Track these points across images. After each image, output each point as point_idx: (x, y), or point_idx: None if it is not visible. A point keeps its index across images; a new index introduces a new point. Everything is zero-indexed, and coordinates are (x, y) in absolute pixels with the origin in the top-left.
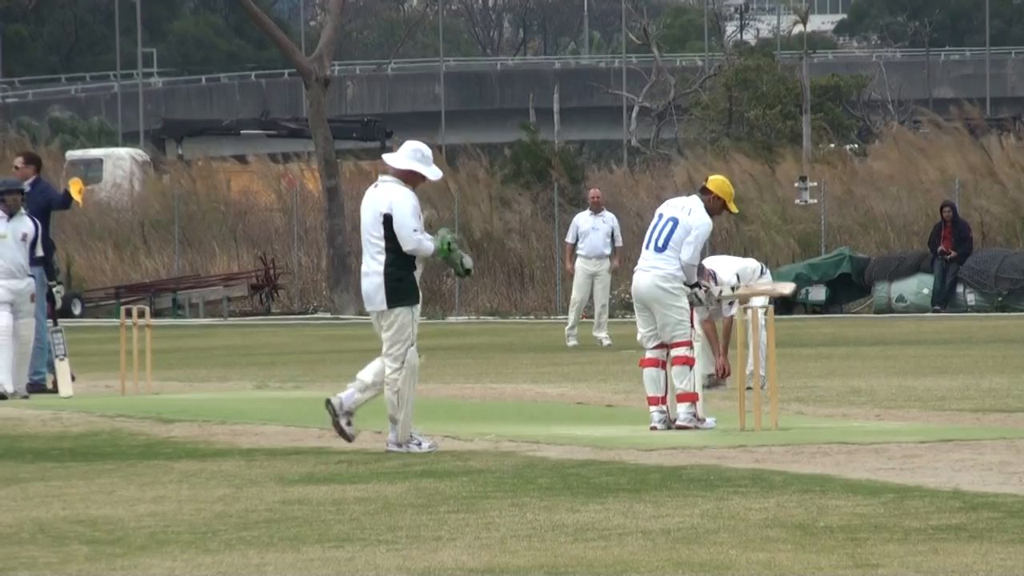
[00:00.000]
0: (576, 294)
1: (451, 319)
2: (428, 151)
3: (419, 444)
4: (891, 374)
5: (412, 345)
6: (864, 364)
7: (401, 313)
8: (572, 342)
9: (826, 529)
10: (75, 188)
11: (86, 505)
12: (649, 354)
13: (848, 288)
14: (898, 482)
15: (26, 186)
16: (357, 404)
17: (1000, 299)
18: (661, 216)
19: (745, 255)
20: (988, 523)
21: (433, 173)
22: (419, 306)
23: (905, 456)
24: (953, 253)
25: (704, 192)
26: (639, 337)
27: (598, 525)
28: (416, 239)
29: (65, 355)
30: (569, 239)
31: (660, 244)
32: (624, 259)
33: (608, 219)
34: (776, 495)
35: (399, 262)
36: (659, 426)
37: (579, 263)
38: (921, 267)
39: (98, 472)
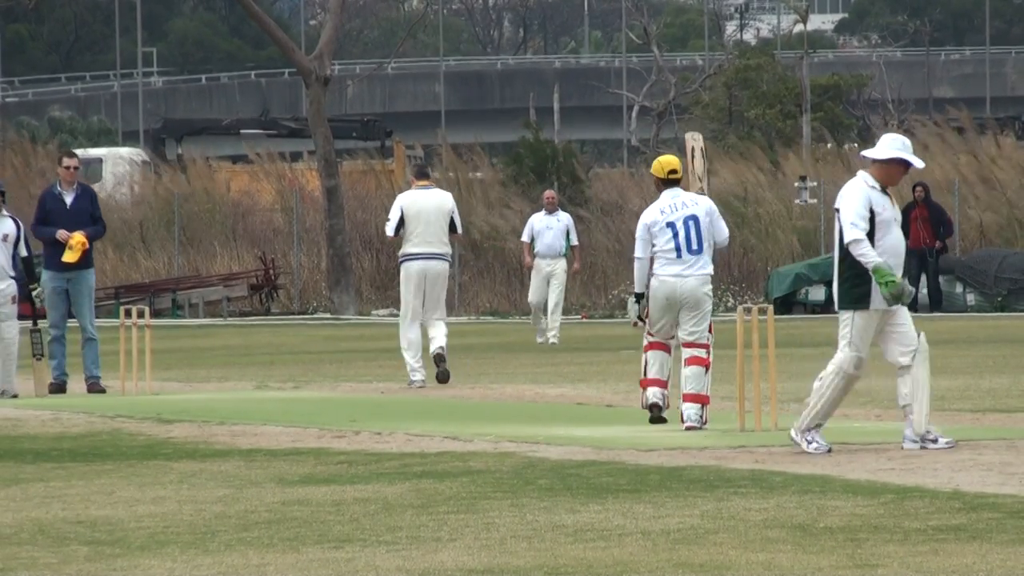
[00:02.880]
0: (532, 297)
1: (451, 319)
2: (908, 141)
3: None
4: (890, 374)
5: (850, 346)
6: None
7: (841, 315)
8: (541, 339)
9: (826, 530)
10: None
11: (86, 506)
12: (661, 339)
13: None
14: (898, 483)
15: (76, 188)
16: (918, 424)
17: (1000, 299)
18: (674, 225)
19: (744, 256)
20: (988, 524)
21: (918, 161)
22: (866, 310)
23: (905, 456)
24: (939, 244)
25: (679, 184)
26: (656, 329)
27: (598, 526)
28: (849, 232)
29: (42, 355)
30: (524, 237)
31: (695, 247)
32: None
33: (563, 218)
34: (776, 496)
35: (846, 259)
36: (660, 402)
37: (536, 262)
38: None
39: (98, 473)
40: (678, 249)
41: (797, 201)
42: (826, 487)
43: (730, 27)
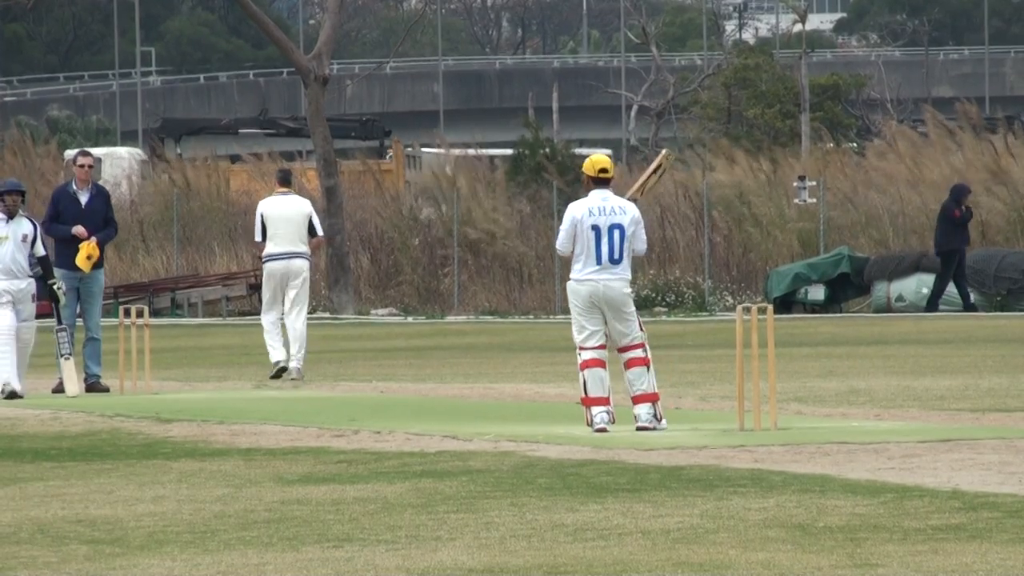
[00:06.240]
0: None
1: (450, 319)
2: None
3: None
4: (890, 374)
5: None
6: (863, 364)
7: None
8: None
9: (825, 529)
10: (83, 254)
11: (85, 505)
12: (594, 355)
13: (847, 288)
14: (897, 482)
15: (91, 188)
16: None
17: (999, 299)
18: (598, 230)
19: (744, 255)
20: (987, 523)
21: None
22: None
23: (904, 456)
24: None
25: (609, 184)
26: (583, 336)
27: (597, 525)
28: None
29: (71, 354)
30: None
31: (616, 256)
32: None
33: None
34: (775, 495)
35: None
36: (608, 427)
37: None
38: (920, 266)
39: (97, 472)
40: (599, 258)
41: (796, 201)
42: (825, 487)
43: (729, 27)
